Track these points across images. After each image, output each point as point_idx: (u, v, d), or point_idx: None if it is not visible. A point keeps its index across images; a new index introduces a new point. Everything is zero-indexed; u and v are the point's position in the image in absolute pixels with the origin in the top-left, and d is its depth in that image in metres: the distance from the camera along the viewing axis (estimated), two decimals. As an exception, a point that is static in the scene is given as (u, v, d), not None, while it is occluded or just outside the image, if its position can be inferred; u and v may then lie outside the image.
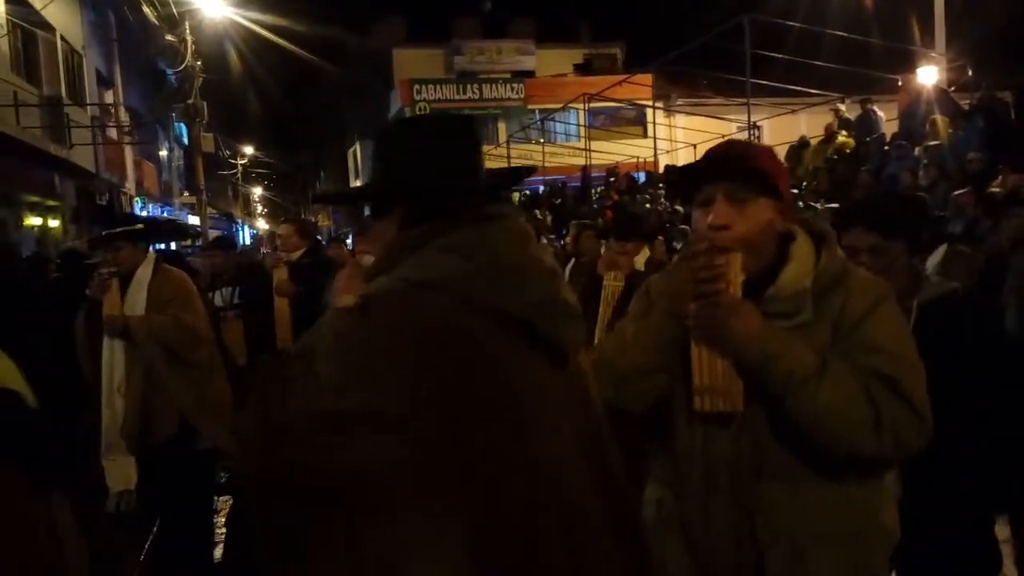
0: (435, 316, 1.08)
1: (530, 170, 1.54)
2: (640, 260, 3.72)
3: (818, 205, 8.91)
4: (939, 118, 9.74)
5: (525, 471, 1.08)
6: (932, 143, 9.41)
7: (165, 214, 22.24)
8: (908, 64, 12.51)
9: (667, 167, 12.15)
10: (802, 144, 13.30)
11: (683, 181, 1.73)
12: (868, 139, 11.50)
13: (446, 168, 1.20)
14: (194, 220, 20.48)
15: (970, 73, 11.55)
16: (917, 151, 9.75)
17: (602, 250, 4.00)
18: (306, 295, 4.42)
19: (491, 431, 1.06)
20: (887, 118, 12.43)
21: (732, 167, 1.57)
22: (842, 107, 13.04)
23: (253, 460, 1.05)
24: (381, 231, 1.23)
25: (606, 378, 1.63)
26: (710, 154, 1.64)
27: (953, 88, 11.63)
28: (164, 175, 25.92)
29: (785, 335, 1.50)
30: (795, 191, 10.40)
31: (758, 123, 15.14)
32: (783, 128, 16.01)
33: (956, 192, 6.86)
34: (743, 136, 14.84)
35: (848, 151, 11.41)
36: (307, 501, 0.99)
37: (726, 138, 16.80)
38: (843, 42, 13.22)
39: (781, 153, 14.06)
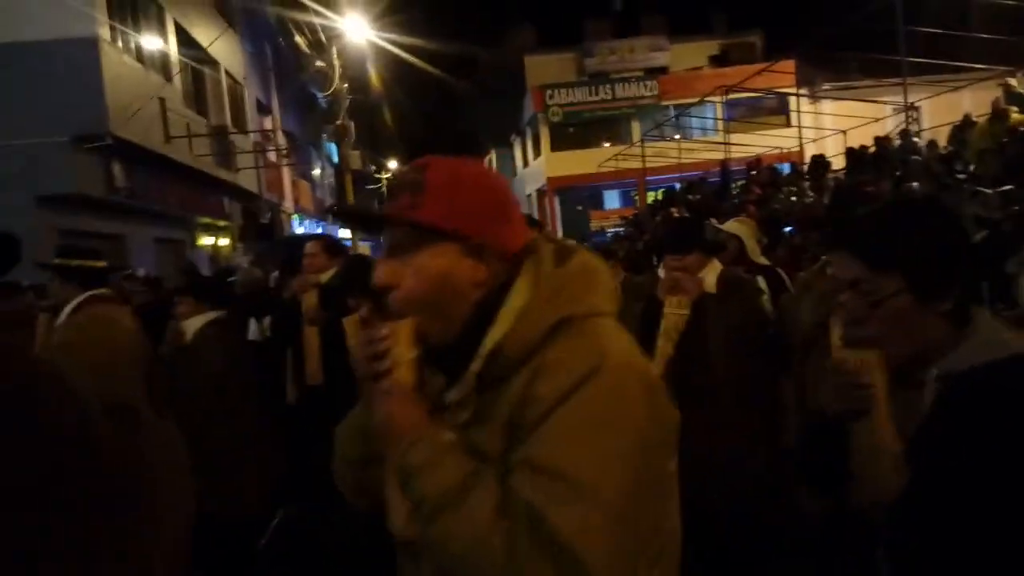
0: None
1: None
2: (711, 278, 2.98)
3: (989, 191, 8.20)
4: None
5: None
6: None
7: (319, 229, 23.70)
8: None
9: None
10: (967, 123, 12.28)
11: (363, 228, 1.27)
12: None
13: None
14: (344, 234, 21.72)
15: None
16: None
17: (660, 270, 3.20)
18: (335, 323, 3.60)
19: None
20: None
21: (389, 210, 1.17)
22: (1013, 81, 11.94)
23: None
24: None
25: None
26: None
27: None
28: (318, 192, 27.66)
29: (441, 441, 1.08)
30: (962, 176, 9.61)
31: (916, 104, 14.13)
32: (945, 107, 14.83)
33: None
34: (899, 119, 13.89)
35: (1022, 129, 10.42)
36: None
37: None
38: (1006, 8, 12.10)
39: (944, 134, 13.09)
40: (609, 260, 4.78)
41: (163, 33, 13.64)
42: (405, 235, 1.15)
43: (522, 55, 29.91)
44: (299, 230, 21.95)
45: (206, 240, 16.41)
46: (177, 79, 13.86)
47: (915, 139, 12.96)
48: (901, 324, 1.29)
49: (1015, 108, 11.08)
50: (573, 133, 28.48)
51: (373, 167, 33.40)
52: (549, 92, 27.72)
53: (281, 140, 19.97)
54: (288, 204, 21.56)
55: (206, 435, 3.29)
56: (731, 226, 3.70)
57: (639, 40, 29.59)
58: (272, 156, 19.10)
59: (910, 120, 11.73)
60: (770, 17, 27.88)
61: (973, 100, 14.42)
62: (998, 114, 11.11)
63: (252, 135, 17.87)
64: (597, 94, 27.87)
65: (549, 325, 1.10)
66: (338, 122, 18.15)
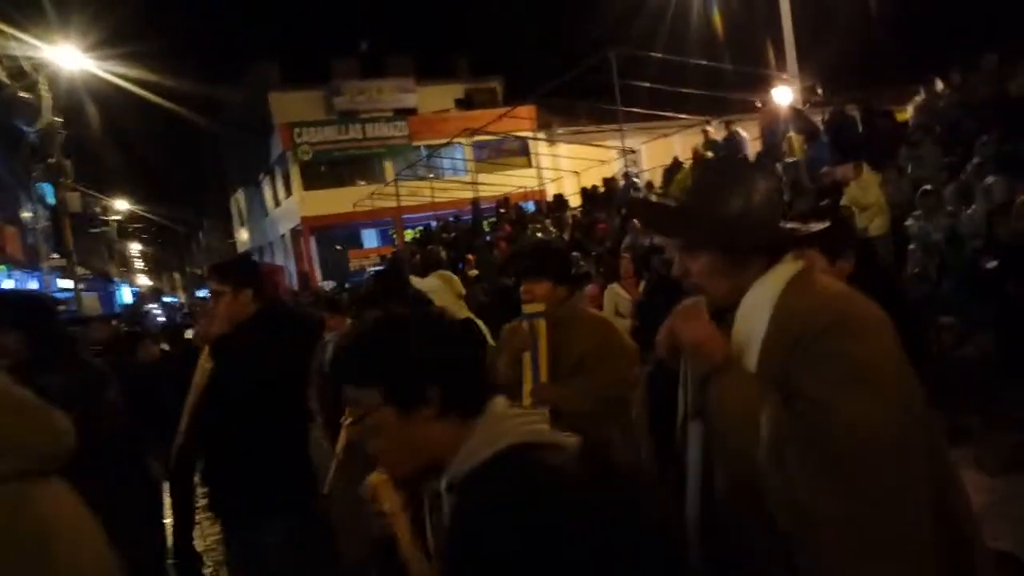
0: None
1: None
2: None
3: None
4: (794, 136, 10.34)
5: None
6: (789, 160, 9.97)
7: (33, 283, 20.84)
8: (767, 86, 13.30)
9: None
10: (676, 165, 13.83)
11: None
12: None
13: None
14: (66, 284, 19.28)
15: (820, 92, 12.34)
16: (779, 167, 10.32)
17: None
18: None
19: None
20: (752, 137, 13.10)
21: None
22: (711, 129, 13.67)
23: None
24: None
25: None
26: None
27: (807, 106, 12.41)
28: (29, 239, 24.33)
29: None
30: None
31: (635, 148, 15.71)
32: (661, 150, 16.65)
33: None
34: (621, 161, 15.34)
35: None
36: None
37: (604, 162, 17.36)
38: (706, 68, 13.93)
39: (659, 175, 14.64)
40: (335, 312, 4.56)
41: None
42: None
43: (266, 92, 28.83)
44: (6, 284, 19.08)
45: None
46: None
47: (635, 179, 14.36)
48: (390, 438, 1.22)
49: (711, 153, 12.67)
50: (326, 172, 27.93)
51: (99, 209, 30.20)
52: (297, 130, 26.97)
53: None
54: (-9, 253, 18.71)
55: None
56: (426, 282, 3.66)
57: (387, 81, 29.86)
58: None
59: (629, 163, 12.97)
60: (508, 65, 29.66)
61: (684, 144, 16.35)
62: (697, 158, 12.65)
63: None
64: (348, 133, 27.61)
65: None
66: (51, 159, 16.17)
